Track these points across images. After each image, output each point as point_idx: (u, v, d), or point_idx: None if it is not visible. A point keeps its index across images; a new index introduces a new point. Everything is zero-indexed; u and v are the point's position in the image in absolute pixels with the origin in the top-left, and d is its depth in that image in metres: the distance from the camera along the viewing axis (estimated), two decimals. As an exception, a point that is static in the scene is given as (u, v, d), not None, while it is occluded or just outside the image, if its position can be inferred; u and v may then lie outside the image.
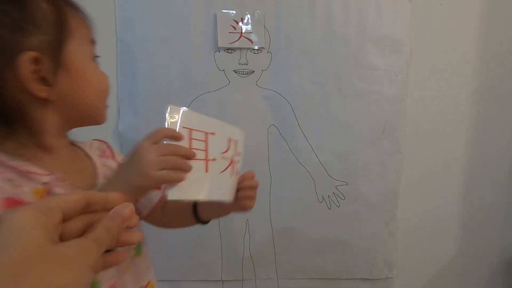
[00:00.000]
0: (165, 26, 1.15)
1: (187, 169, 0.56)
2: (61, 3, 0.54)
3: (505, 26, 1.25)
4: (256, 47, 1.17)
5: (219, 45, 1.15)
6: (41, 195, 0.51)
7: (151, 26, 1.15)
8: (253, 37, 1.16)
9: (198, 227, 1.20)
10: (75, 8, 0.59)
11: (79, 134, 1.24)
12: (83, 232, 0.37)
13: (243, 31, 1.15)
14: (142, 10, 1.14)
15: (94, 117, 0.66)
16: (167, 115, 0.57)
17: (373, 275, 1.32)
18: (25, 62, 0.48)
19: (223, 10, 1.14)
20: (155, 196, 0.75)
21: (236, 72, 1.18)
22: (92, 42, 0.60)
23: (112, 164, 0.68)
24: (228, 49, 1.16)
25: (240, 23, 1.15)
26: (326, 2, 1.16)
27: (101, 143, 0.73)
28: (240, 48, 1.17)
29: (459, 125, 1.29)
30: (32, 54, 0.48)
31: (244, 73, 1.18)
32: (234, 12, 1.15)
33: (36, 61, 0.48)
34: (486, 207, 1.35)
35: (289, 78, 1.19)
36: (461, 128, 1.30)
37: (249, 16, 1.15)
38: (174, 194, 0.56)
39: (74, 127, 0.64)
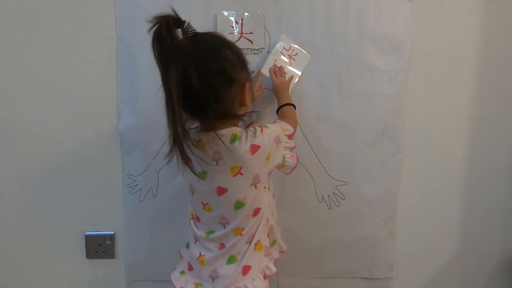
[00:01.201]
0: (165, 26, 1.14)
1: None
2: (243, 53, 0.88)
3: (505, 26, 1.25)
4: (256, 48, 1.17)
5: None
6: None
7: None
8: (253, 37, 1.16)
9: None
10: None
11: (79, 134, 1.25)
12: None
13: (243, 31, 1.15)
14: (142, 10, 1.14)
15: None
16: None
17: (373, 274, 1.33)
18: (247, 88, 0.86)
19: (223, 11, 1.14)
20: None
21: (236, 72, 1.18)
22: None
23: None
24: (228, 49, 1.16)
25: (240, 24, 1.15)
26: (326, 2, 1.16)
27: None
28: (241, 48, 1.16)
29: (459, 125, 1.29)
30: (248, 83, 0.86)
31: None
32: (234, 12, 1.15)
33: (248, 87, 0.86)
34: (486, 207, 1.35)
35: (289, 78, 1.19)
36: (461, 128, 1.30)
37: (249, 16, 1.15)
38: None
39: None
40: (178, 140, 0.78)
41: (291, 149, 0.95)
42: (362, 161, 1.24)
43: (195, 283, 0.93)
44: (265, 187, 0.91)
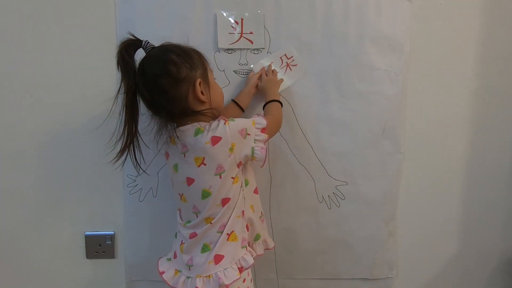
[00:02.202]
0: (165, 26, 1.15)
1: None
2: (200, 54, 0.99)
3: (505, 26, 1.25)
4: (256, 48, 1.17)
5: (219, 46, 1.15)
6: None
7: (151, 26, 1.15)
8: (253, 37, 1.16)
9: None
10: (204, 56, 1.01)
11: (81, 133, 1.25)
12: None
13: (243, 31, 1.15)
14: (142, 10, 1.14)
15: (219, 109, 1.02)
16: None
17: (373, 275, 1.33)
18: (198, 84, 0.94)
19: (223, 11, 1.14)
20: None
21: (236, 73, 1.18)
22: (211, 71, 1.02)
23: None
24: (228, 49, 1.16)
25: (240, 24, 1.15)
26: (326, 2, 1.16)
27: None
28: (240, 49, 1.17)
29: (459, 125, 1.29)
30: (199, 80, 0.94)
31: (244, 73, 1.18)
32: (234, 12, 1.15)
33: (200, 83, 0.94)
34: (486, 207, 1.35)
35: (289, 78, 1.19)
36: (461, 128, 1.30)
37: (249, 16, 1.15)
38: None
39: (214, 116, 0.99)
40: (129, 143, 0.97)
41: (264, 142, 0.98)
42: (362, 161, 1.24)
43: (175, 269, 1.01)
44: (233, 178, 0.96)
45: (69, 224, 1.27)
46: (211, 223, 0.95)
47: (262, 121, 0.98)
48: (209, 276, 0.94)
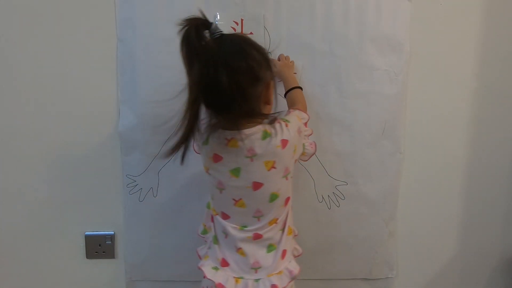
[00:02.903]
0: (165, 26, 1.14)
1: None
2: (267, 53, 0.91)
3: (505, 26, 1.25)
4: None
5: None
6: None
7: (151, 26, 1.15)
8: (253, 37, 1.14)
9: (197, 227, 1.20)
10: None
11: (79, 134, 1.25)
12: None
13: (243, 31, 1.15)
14: (142, 10, 1.14)
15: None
16: None
17: (373, 275, 1.33)
18: (271, 86, 0.89)
19: (223, 11, 1.14)
20: None
21: (236, 72, 1.18)
22: None
23: None
24: (228, 49, 1.16)
25: (240, 24, 1.15)
26: (326, 2, 1.16)
27: None
28: (240, 48, 1.17)
29: (459, 125, 1.29)
30: (272, 82, 0.89)
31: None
32: (234, 13, 1.15)
33: (272, 85, 0.89)
34: (486, 207, 1.35)
35: (289, 78, 1.19)
36: (461, 128, 1.30)
37: (249, 17, 1.15)
38: None
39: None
40: (188, 137, 0.83)
41: (309, 136, 1.00)
42: (362, 161, 1.24)
43: (234, 277, 0.94)
44: (292, 177, 0.96)
45: (69, 224, 1.27)
46: (276, 223, 0.94)
47: (304, 115, 0.99)
48: (280, 272, 0.95)
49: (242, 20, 1.15)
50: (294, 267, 0.97)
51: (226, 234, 0.95)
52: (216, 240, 0.97)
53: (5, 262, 1.28)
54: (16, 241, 1.27)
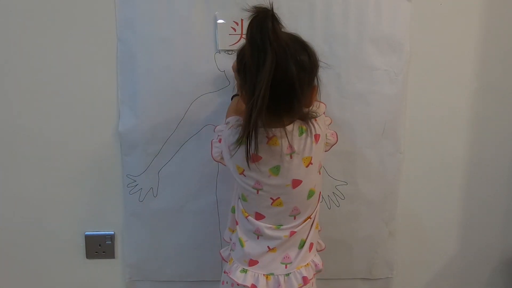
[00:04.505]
0: (165, 26, 1.14)
1: None
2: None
3: (505, 26, 1.25)
4: (256, 47, 1.17)
5: (219, 47, 1.15)
6: None
7: (151, 26, 1.15)
8: (253, 37, 1.16)
9: (197, 228, 1.20)
10: None
11: (79, 134, 1.25)
12: None
13: (243, 32, 1.15)
14: (142, 10, 1.14)
15: None
16: None
17: (373, 275, 1.33)
18: (316, 91, 0.89)
19: (223, 11, 1.14)
20: None
21: (236, 73, 1.18)
22: None
23: None
24: (228, 50, 1.16)
25: (240, 24, 1.15)
26: (326, 2, 1.16)
27: None
28: (240, 49, 1.17)
29: (459, 125, 1.29)
30: (316, 87, 0.89)
31: (244, 73, 1.18)
32: (234, 13, 1.14)
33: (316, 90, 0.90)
34: (486, 207, 1.35)
35: (289, 78, 1.19)
36: (461, 128, 1.29)
37: (249, 16, 1.15)
38: None
39: None
40: (254, 130, 0.78)
41: (329, 125, 1.02)
42: (362, 161, 1.24)
43: (264, 275, 0.94)
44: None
45: (69, 224, 1.27)
46: (310, 218, 0.96)
47: (322, 105, 1.00)
48: (307, 264, 0.97)
49: (242, 20, 1.15)
50: (319, 261, 1.01)
51: (259, 235, 0.94)
52: (242, 242, 0.95)
53: (5, 262, 1.28)
54: (16, 241, 1.27)
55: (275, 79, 0.76)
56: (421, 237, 1.35)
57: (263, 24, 0.76)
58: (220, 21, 1.14)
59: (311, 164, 0.90)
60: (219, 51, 1.16)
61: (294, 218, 0.94)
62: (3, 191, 1.24)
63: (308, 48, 0.86)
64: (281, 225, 0.93)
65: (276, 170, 0.88)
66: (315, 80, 0.88)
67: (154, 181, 1.23)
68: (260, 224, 0.93)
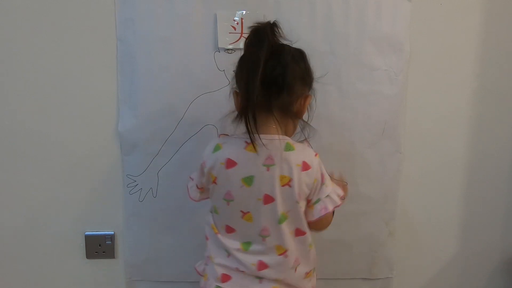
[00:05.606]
0: (165, 26, 1.15)
1: None
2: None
3: (505, 26, 1.25)
4: (256, 47, 1.17)
5: (219, 46, 1.15)
6: None
7: (151, 26, 1.15)
8: (253, 37, 1.16)
9: (197, 228, 1.20)
10: None
11: (79, 134, 1.25)
12: None
13: (243, 31, 1.15)
14: (142, 10, 1.14)
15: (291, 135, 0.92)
16: None
17: (373, 274, 1.33)
18: (309, 99, 0.89)
19: (223, 11, 1.14)
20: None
21: (236, 72, 1.18)
22: None
23: None
24: (228, 49, 1.16)
25: (240, 24, 1.15)
26: (326, 2, 1.16)
27: None
28: (240, 48, 1.17)
29: (459, 125, 1.29)
30: (311, 97, 0.90)
31: (244, 73, 1.18)
32: (234, 12, 1.15)
33: (309, 100, 0.89)
34: (486, 207, 1.35)
35: (289, 78, 1.19)
36: (461, 128, 1.30)
37: (249, 16, 1.15)
38: None
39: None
40: (251, 108, 0.78)
41: (334, 206, 0.90)
42: (362, 161, 1.24)
43: None
44: (303, 210, 0.88)
45: (69, 224, 1.27)
46: (285, 256, 0.87)
47: (340, 191, 0.92)
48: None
49: (242, 20, 1.15)
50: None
51: (228, 253, 0.89)
52: (212, 258, 0.92)
53: (5, 262, 1.28)
54: (16, 241, 1.27)
55: (269, 74, 0.79)
56: (421, 237, 1.35)
57: (261, 28, 0.82)
58: (219, 20, 1.14)
59: (289, 186, 0.83)
60: (218, 50, 1.16)
61: (263, 240, 0.86)
62: (3, 191, 1.24)
63: (306, 58, 0.89)
64: (250, 243, 0.87)
65: (249, 181, 0.83)
66: (309, 90, 0.90)
67: (154, 181, 1.23)
68: (228, 245, 0.89)
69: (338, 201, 0.90)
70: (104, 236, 1.28)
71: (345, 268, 1.31)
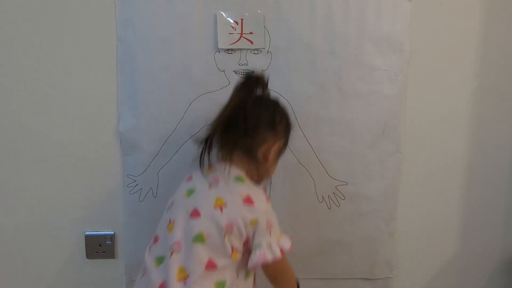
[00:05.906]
0: (165, 26, 1.15)
1: None
2: (291, 126, 0.98)
3: (505, 26, 1.25)
4: (256, 48, 1.17)
5: (219, 46, 1.15)
6: None
7: (151, 26, 1.15)
8: (253, 37, 1.16)
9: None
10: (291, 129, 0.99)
11: (79, 134, 1.25)
12: None
13: (243, 31, 1.15)
14: (142, 10, 1.14)
15: (257, 183, 0.95)
16: None
17: (373, 275, 1.33)
18: (275, 147, 0.92)
19: (223, 11, 1.14)
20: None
21: (236, 73, 1.18)
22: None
23: None
24: (228, 49, 1.16)
25: (240, 24, 1.15)
26: (326, 2, 1.16)
27: None
28: (240, 49, 1.17)
29: (459, 125, 1.29)
30: (278, 145, 0.93)
31: (244, 73, 1.18)
32: (234, 12, 1.15)
33: (275, 148, 0.92)
34: (486, 207, 1.35)
35: (289, 78, 1.19)
36: (461, 128, 1.30)
37: (249, 16, 1.15)
38: None
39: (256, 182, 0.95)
40: (210, 138, 0.89)
41: (272, 258, 0.84)
42: (362, 161, 1.24)
43: None
44: (234, 251, 0.83)
45: (69, 224, 1.27)
46: (184, 282, 0.79)
47: (287, 243, 0.90)
48: None
49: (242, 20, 1.15)
50: None
51: (144, 272, 0.87)
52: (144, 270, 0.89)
53: (5, 262, 1.28)
54: (16, 241, 1.27)
55: (236, 113, 0.88)
56: (421, 237, 1.35)
57: (249, 76, 0.95)
58: (219, 20, 1.14)
59: (220, 210, 0.82)
60: (218, 51, 1.16)
61: (171, 255, 0.82)
62: (4, 191, 1.24)
63: (279, 107, 0.96)
64: (163, 259, 0.84)
65: (190, 192, 0.89)
66: (279, 135, 0.94)
67: (154, 181, 1.23)
68: (147, 261, 0.87)
69: (279, 254, 0.85)
70: (104, 236, 1.28)
71: (345, 268, 1.31)
